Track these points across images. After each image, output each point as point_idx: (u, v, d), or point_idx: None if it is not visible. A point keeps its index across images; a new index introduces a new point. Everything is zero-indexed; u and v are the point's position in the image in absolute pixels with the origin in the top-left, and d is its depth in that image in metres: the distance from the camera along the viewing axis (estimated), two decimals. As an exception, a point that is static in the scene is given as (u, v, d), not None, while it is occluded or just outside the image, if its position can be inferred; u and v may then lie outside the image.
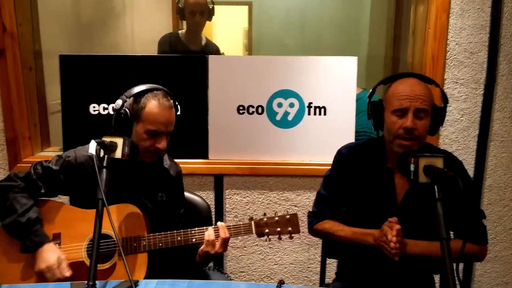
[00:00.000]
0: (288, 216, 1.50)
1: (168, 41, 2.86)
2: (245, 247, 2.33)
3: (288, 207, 2.29)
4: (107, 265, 1.44)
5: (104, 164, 1.20)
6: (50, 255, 1.40)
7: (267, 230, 1.49)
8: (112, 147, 1.25)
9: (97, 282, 1.07)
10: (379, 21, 4.23)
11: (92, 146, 1.19)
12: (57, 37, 3.27)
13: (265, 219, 1.50)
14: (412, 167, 1.14)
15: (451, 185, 1.03)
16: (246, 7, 5.26)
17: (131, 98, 1.50)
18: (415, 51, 2.35)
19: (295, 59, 2.22)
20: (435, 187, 1.07)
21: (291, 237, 1.51)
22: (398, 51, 3.34)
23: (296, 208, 2.29)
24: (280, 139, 2.24)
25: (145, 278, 1.42)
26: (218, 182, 2.26)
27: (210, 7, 2.74)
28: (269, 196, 2.28)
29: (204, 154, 2.26)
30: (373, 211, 1.51)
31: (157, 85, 1.56)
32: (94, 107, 2.22)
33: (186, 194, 1.91)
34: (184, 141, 2.24)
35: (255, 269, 2.36)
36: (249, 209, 2.29)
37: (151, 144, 1.50)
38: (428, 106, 1.40)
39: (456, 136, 2.18)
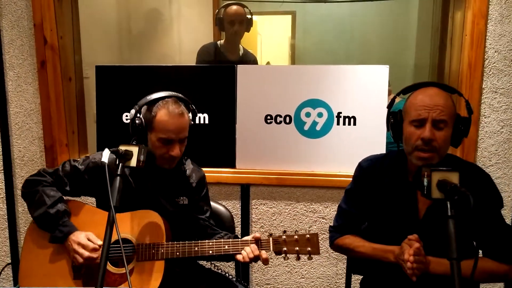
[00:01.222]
0: (308, 236, 1.45)
1: (206, 51, 2.91)
2: (271, 258, 2.30)
3: (315, 219, 2.24)
4: (125, 269, 1.46)
5: (118, 172, 1.22)
6: (79, 236, 1.48)
7: (285, 249, 1.45)
8: (127, 155, 1.28)
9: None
10: (426, 29, 4.11)
11: (106, 155, 1.22)
12: (106, 48, 3.45)
13: (284, 236, 1.46)
14: (425, 181, 1.07)
15: (463, 202, 0.96)
16: (289, 17, 5.26)
17: (144, 107, 1.55)
18: (453, 59, 2.25)
19: (323, 68, 2.18)
20: (448, 203, 1.00)
21: (310, 258, 1.46)
22: (444, 59, 3.22)
23: (324, 220, 2.23)
24: (308, 149, 2.21)
25: (161, 285, 1.43)
26: (245, 191, 2.26)
27: (249, 17, 2.77)
28: (296, 208, 2.24)
29: (231, 163, 2.26)
30: (395, 226, 1.44)
31: (170, 92, 1.59)
32: (126, 116, 2.29)
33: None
34: (211, 150, 2.26)
35: (281, 281, 2.32)
36: (275, 220, 2.26)
37: (165, 151, 1.54)
38: (448, 116, 1.33)
39: (496, 148, 2.05)
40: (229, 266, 2.18)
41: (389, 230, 1.46)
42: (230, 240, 1.47)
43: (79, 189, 1.64)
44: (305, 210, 2.24)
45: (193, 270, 1.70)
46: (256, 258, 1.44)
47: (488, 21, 1.98)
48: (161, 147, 1.53)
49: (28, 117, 2.33)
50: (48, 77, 2.28)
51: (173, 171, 1.64)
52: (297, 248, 1.45)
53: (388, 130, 1.46)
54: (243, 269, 2.31)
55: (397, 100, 2.27)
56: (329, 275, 2.27)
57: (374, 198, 1.50)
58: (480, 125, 2.04)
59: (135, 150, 1.28)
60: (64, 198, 1.61)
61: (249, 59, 2.99)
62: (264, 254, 1.44)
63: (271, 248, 1.46)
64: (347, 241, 1.55)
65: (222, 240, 1.48)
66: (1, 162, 2.36)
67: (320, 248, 2.22)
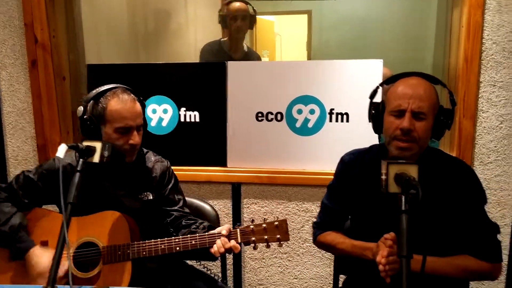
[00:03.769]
0: (277, 223, 1.41)
1: (209, 50, 2.86)
2: (263, 259, 2.25)
3: (307, 218, 2.18)
4: (92, 273, 1.43)
5: (78, 168, 1.19)
6: (39, 260, 1.41)
7: (253, 238, 1.40)
8: (90, 151, 1.24)
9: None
10: (443, 28, 4.01)
11: (61, 150, 1.17)
12: (122, 49, 3.46)
13: (251, 226, 1.42)
14: (383, 175, 1.01)
15: (413, 196, 0.90)
16: (305, 16, 5.21)
17: (91, 102, 1.47)
18: (451, 54, 2.15)
19: (315, 64, 2.14)
20: (402, 197, 0.94)
21: (280, 245, 1.42)
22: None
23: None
24: (300, 147, 2.15)
25: (130, 285, 1.39)
26: (236, 190, 2.21)
27: (252, 14, 2.72)
28: (288, 207, 2.19)
29: (222, 162, 2.22)
30: (376, 220, 1.39)
31: (115, 84, 1.54)
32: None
33: (195, 201, 1.89)
34: (202, 149, 2.22)
35: (273, 282, 2.26)
36: (267, 219, 2.20)
37: (124, 142, 1.47)
38: (428, 107, 1.27)
39: (495, 145, 1.95)
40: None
41: (371, 225, 1.41)
42: (197, 235, 1.42)
43: (37, 198, 1.56)
44: (297, 209, 2.18)
45: (172, 267, 1.66)
46: (229, 250, 1.39)
47: (486, 11, 1.88)
48: (120, 138, 1.46)
49: (21, 117, 2.34)
50: (39, 76, 2.28)
51: (133, 166, 1.57)
52: (266, 237, 1.40)
53: (369, 121, 1.40)
54: (235, 269, 2.27)
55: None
56: (323, 275, 2.20)
57: (355, 192, 1.45)
58: (478, 121, 1.95)
59: (98, 145, 1.25)
60: (24, 209, 1.54)
61: (253, 57, 2.94)
62: (233, 242, 1.39)
63: (239, 239, 1.41)
64: (328, 237, 1.51)
65: (189, 235, 1.43)
66: (-4, 162, 2.38)
67: (313, 248, 2.18)
